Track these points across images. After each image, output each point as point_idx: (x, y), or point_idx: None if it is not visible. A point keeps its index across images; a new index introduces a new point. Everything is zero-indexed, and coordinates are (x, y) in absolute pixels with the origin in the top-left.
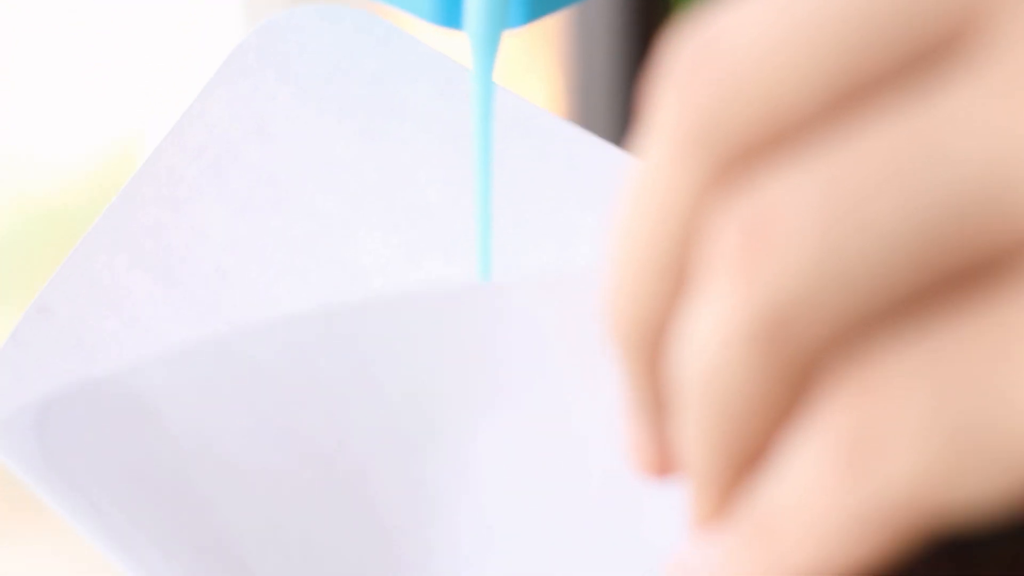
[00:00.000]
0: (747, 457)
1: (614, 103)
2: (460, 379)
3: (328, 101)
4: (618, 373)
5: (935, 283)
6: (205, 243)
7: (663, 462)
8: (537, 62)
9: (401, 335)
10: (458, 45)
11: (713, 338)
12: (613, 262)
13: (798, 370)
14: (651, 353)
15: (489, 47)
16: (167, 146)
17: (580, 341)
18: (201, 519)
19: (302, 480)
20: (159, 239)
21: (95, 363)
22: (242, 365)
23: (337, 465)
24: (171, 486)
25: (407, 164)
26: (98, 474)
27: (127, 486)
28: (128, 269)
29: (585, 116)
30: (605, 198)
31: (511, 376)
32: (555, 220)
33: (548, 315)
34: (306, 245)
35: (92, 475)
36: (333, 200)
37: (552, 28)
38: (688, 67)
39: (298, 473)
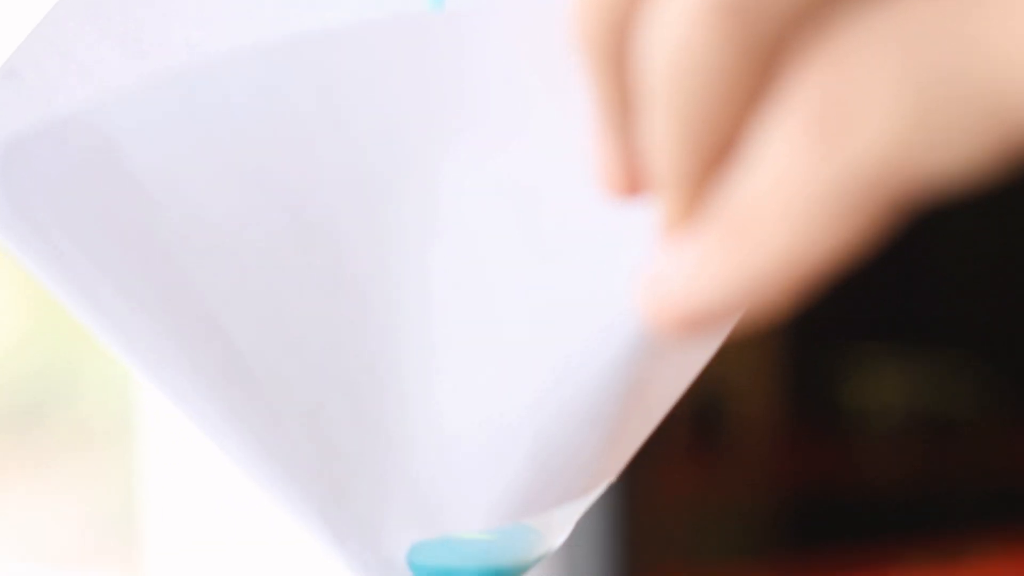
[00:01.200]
0: (717, 151)
1: None
2: (424, 111)
3: None
4: (585, 83)
5: None
6: (175, 18)
7: (632, 179)
8: None
9: (364, 65)
10: None
11: (679, 18)
12: None
13: (766, 48)
14: (617, 52)
15: None
16: None
17: (545, 60)
18: (167, 267)
19: (270, 226)
20: (128, 13)
21: None
22: (207, 100)
23: (305, 209)
24: (137, 233)
25: None
26: (63, 219)
27: (92, 232)
28: (98, 40)
29: None
30: None
31: (475, 103)
32: None
33: (513, 35)
34: (276, 20)
35: (57, 220)
36: None
37: None
38: None
39: (265, 217)
